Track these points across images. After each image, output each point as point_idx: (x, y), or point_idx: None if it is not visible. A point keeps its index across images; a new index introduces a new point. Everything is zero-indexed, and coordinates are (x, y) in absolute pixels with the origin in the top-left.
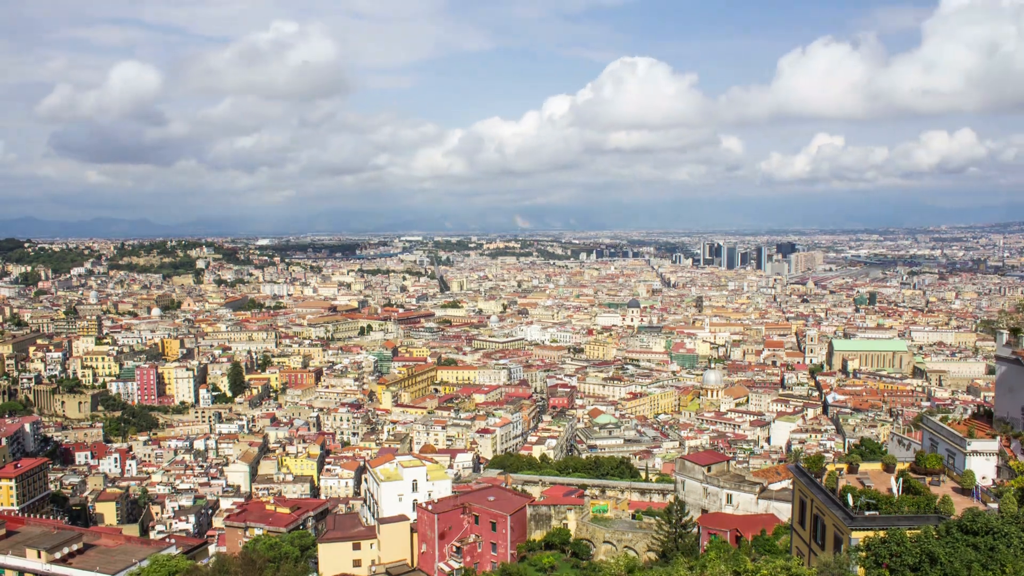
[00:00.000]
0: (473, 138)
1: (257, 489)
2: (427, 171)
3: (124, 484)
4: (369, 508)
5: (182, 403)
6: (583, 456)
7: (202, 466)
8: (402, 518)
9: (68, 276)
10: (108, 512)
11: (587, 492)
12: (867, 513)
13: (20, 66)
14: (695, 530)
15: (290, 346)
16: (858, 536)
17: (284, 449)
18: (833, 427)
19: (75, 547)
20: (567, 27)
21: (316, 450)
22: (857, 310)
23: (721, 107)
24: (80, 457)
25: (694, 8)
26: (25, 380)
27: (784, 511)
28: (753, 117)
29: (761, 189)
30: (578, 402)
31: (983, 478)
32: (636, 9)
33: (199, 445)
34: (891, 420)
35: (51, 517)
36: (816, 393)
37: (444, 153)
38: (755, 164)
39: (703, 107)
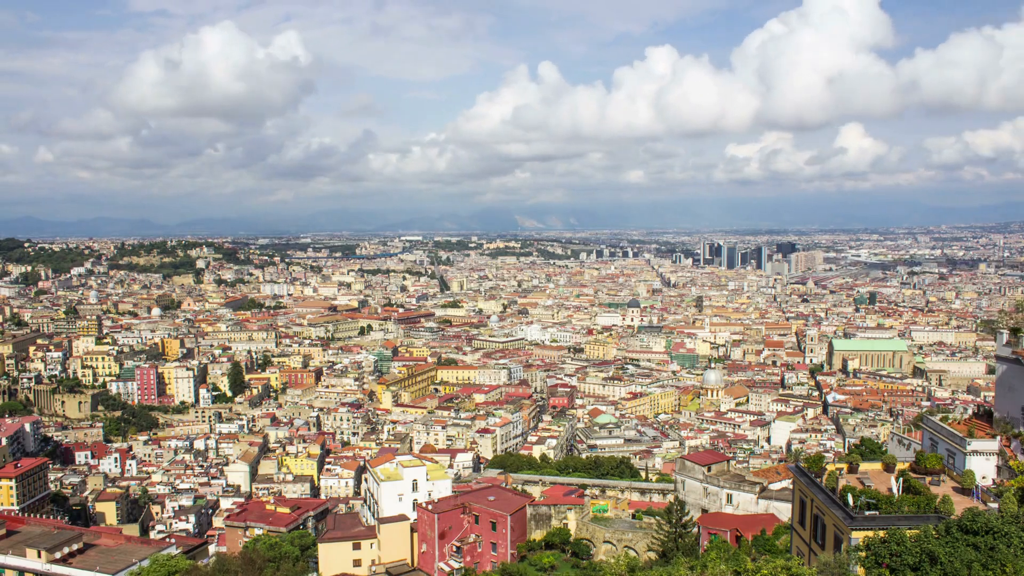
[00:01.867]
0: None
1: (257, 489)
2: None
3: (124, 484)
4: (369, 508)
5: (182, 403)
6: (583, 456)
7: (202, 466)
8: (402, 518)
9: (68, 276)
10: (108, 512)
11: (587, 492)
12: (867, 513)
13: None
14: (695, 530)
15: (290, 346)
16: (858, 536)
17: (284, 449)
18: (833, 427)
19: (75, 547)
20: (598, 50)
21: (316, 450)
22: (857, 310)
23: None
24: (80, 457)
25: (712, 29)
26: (25, 380)
27: (784, 511)
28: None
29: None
30: (578, 402)
31: (983, 478)
32: (657, 36)
33: (199, 445)
34: (891, 420)
35: (51, 517)
36: (816, 393)
37: (399, 157)
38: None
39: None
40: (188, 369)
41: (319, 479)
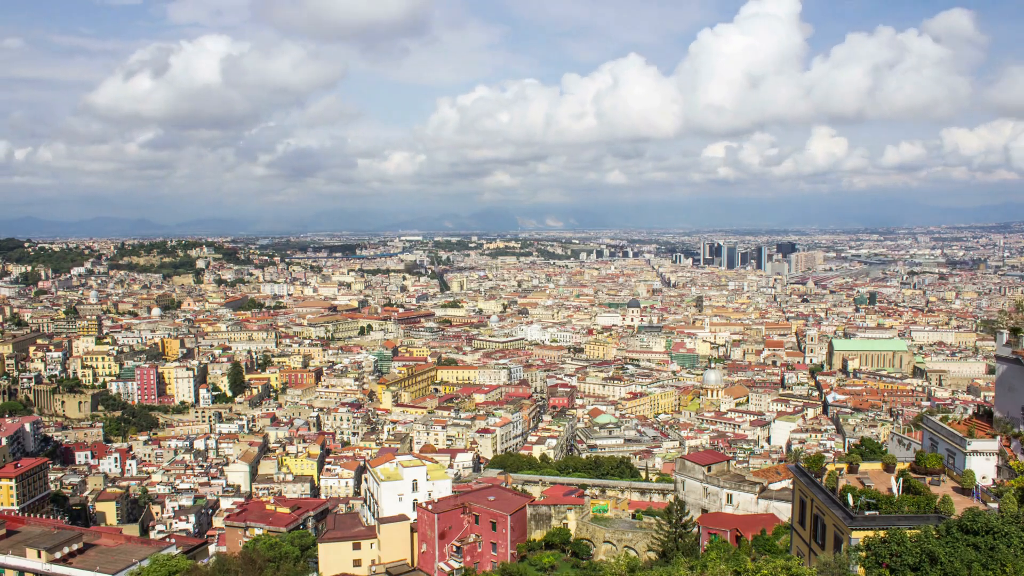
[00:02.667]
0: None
1: (257, 489)
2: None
3: (124, 484)
4: (369, 508)
5: (182, 403)
6: (583, 456)
7: (202, 466)
8: (402, 518)
9: (68, 276)
10: (108, 512)
11: (587, 492)
12: (867, 513)
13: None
14: (695, 530)
15: (290, 346)
16: (858, 536)
17: (284, 449)
18: (833, 427)
19: (75, 547)
20: (612, 61)
21: (316, 450)
22: (857, 310)
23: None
24: (80, 457)
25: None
26: (25, 380)
27: (784, 511)
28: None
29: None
30: (578, 402)
31: (983, 478)
32: (667, 49)
33: (199, 445)
34: (891, 420)
35: (51, 517)
36: (816, 393)
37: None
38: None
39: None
40: (188, 369)
41: (319, 479)
